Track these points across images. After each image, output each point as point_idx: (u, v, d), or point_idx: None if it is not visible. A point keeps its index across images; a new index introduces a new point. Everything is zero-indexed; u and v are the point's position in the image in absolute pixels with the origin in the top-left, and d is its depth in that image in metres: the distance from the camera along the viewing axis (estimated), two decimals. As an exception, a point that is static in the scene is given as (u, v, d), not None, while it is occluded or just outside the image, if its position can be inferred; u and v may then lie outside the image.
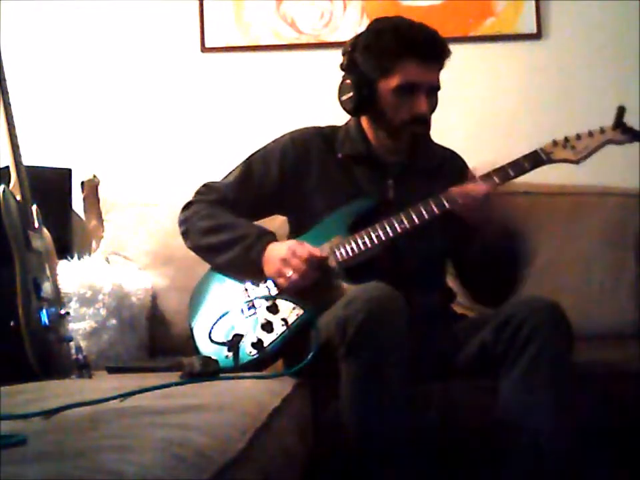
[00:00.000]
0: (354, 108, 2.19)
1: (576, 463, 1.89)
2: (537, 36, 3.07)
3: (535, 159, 2.15)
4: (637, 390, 2.08)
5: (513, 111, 3.07)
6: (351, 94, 2.17)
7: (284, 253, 2.11)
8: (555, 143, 2.15)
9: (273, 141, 2.33)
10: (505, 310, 2.02)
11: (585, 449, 1.96)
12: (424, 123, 2.18)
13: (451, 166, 2.28)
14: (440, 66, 2.18)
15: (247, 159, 2.32)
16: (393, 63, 2.13)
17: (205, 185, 2.35)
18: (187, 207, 2.32)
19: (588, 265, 2.76)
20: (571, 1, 3.06)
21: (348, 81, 2.18)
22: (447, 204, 2.11)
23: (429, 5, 3.08)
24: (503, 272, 2.18)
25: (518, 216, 2.78)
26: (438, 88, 2.18)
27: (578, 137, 2.15)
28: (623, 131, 2.11)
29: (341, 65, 2.21)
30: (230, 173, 2.34)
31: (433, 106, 2.19)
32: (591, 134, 2.14)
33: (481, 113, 3.08)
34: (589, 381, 2.03)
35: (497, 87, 3.09)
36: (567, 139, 2.15)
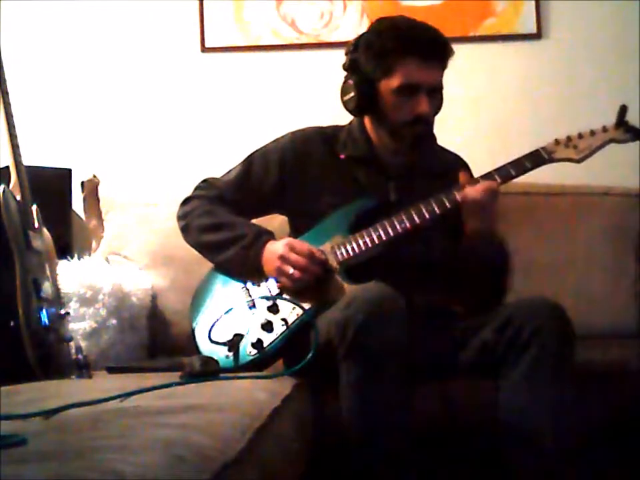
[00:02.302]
0: (355, 108, 2.19)
1: (576, 463, 1.89)
2: (537, 36, 3.07)
3: (536, 159, 2.14)
4: (637, 390, 2.08)
5: (513, 111, 3.07)
6: (353, 94, 2.17)
7: (281, 250, 2.11)
8: (557, 142, 2.14)
9: (274, 141, 2.33)
10: (506, 310, 2.02)
11: (586, 449, 1.96)
12: (426, 123, 2.17)
13: (455, 170, 2.26)
14: (442, 66, 2.16)
15: (247, 158, 2.32)
16: (394, 63, 2.12)
17: (204, 181, 2.35)
18: (186, 201, 2.32)
19: (588, 265, 2.76)
20: (571, 1, 3.06)
21: (350, 81, 2.18)
22: (448, 203, 2.10)
23: (429, 5, 3.08)
24: (492, 280, 2.17)
25: (518, 216, 2.78)
26: (440, 88, 2.18)
27: (580, 136, 2.14)
28: (625, 130, 2.10)
29: (344, 65, 2.21)
30: (230, 170, 2.34)
31: (436, 106, 2.18)
32: (593, 133, 2.13)
33: (481, 112, 3.08)
34: (589, 381, 2.03)
35: (497, 86, 3.09)
36: (569, 138, 2.14)
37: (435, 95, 2.16)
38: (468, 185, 2.09)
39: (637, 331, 2.65)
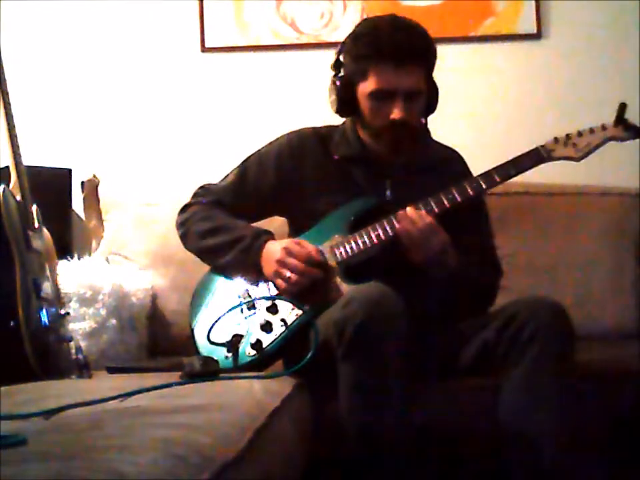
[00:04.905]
0: (337, 110, 2.19)
1: (576, 463, 1.89)
2: (537, 36, 3.07)
3: (535, 157, 2.13)
4: (637, 390, 2.08)
5: (513, 111, 3.07)
6: (334, 96, 2.18)
7: (279, 254, 2.10)
8: (556, 141, 2.14)
9: (269, 143, 2.32)
10: (506, 310, 2.01)
11: (586, 449, 1.96)
12: (403, 127, 2.12)
13: (450, 165, 2.27)
14: (421, 70, 2.12)
15: (243, 162, 2.32)
16: (368, 68, 2.11)
17: (202, 187, 2.35)
18: (184, 209, 2.32)
19: (588, 264, 2.76)
20: (571, 1, 3.06)
21: (332, 83, 2.19)
22: (435, 207, 2.09)
23: (429, 5, 3.07)
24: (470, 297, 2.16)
25: (518, 216, 2.79)
26: (421, 91, 2.13)
27: (579, 134, 2.13)
28: (624, 128, 2.10)
29: (330, 66, 2.22)
30: (227, 175, 2.33)
31: (416, 110, 2.14)
32: (592, 131, 2.12)
33: (481, 112, 3.08)
34: (589, 381, 2.03)
35: (497, 86, 3.09)
36: (568, 136, 2.13)
37: (415, 98, 2.12)
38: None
39: (637, 331, 2.64)
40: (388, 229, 2.11)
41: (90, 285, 2.51)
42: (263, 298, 2.12)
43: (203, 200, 2.30)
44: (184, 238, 2.29)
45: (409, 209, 2.08)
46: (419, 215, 2.07)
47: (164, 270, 2.75)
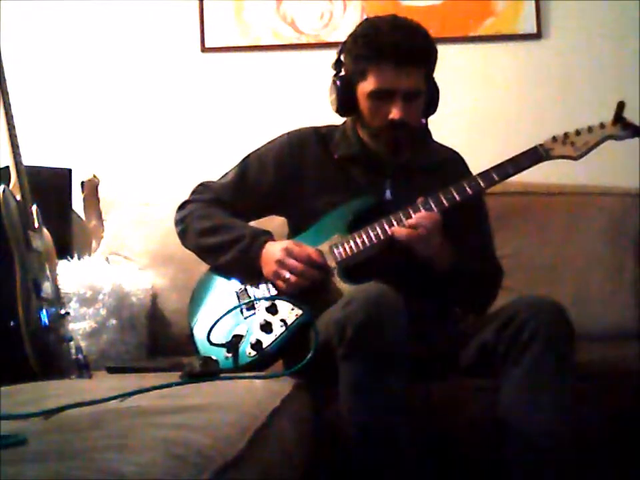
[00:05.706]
0: (337, 110, 2.20)
1: (576, 463, 1.89)
2: (537, 36, 3.07)
3: (534, 156, 2.14)
4: (637, 390, 2.08)
5: (513, 111, 3.08)
6: (334, 95, 2.18)
7: (278, 254, 2.10)
8: (554, 139, 2.14)
9: (270, 142, 2.32)
10: (506, 310, 2.01)
11: (585, 449, 1.96)
12: (403, 128, 2.12)
13: (451, 166, 2.27)
14: (421, 70, 2.12)
15: (243, 160, 2.32)
16: (368, 68, 2.12)
17: (201, 184, 2.35)
18: (182, 206, 2.31)
19: (588, 264, 2.76)
20: (571, 1, 3.06)
21: (333, 83, 2.19)
22: (434, 207, 2.10)
23: (429, 5, 3.08)
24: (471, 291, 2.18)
25: (517, 216, 2.79)
26: (419, 92, 2.13)
27: (577, 132, 2.13)
28: (623, 127, 2.10)
29: (331, 65, 2.22)
30: (226, 173, 2.33)
31: (415, 110, 2.14)
32: (590, 130, 2.12)
33: (480, 112, 3.08)
34: (589, 381, 2.03)
35: (497, 86, 3.09)
36: (566, 135, 2.14)
37: (414, 99, 2.12)
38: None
39: (637, 331, 2.65)
40: (387, 228, 2.11)
41: (90, 285, 2.52)
42: (263, 298, 2.12)
43: (201, 197, 2.30)
44: (182, 235, 2.29)
45: (401, 222, 2.09)
46: (422, 216, 2.07)
47: (164, 270, 2.75)
